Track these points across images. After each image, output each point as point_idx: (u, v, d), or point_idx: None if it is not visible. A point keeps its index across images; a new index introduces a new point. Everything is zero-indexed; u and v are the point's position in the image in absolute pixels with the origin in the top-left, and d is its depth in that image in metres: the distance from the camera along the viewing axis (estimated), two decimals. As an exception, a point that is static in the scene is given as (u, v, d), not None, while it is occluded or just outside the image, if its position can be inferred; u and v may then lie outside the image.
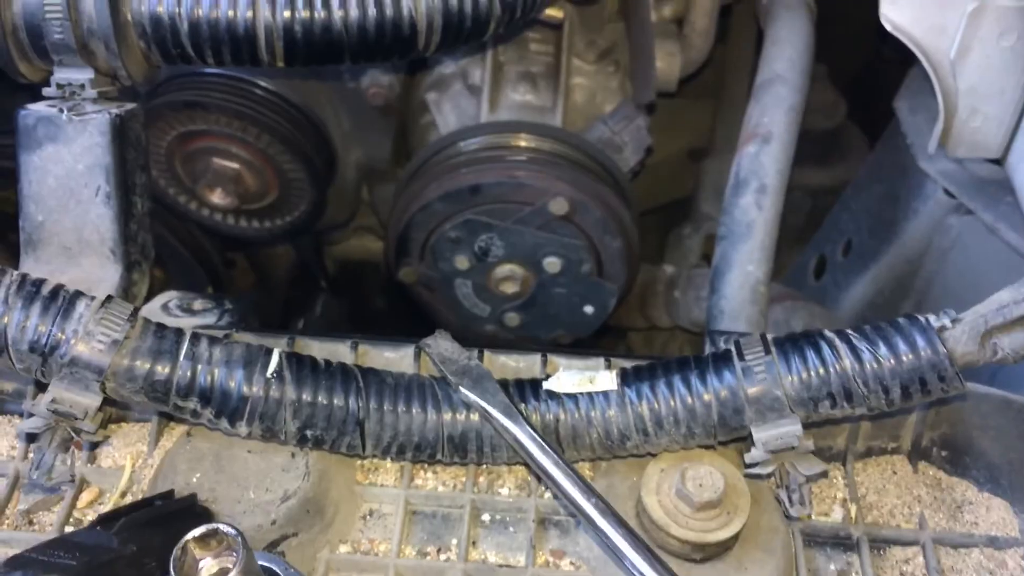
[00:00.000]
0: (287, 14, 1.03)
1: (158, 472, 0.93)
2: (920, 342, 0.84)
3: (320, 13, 1.04)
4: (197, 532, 0.70)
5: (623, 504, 0.90)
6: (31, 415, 0.88)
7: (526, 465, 0.92)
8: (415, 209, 1.48)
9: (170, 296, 1.07)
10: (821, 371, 0.86)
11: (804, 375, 0.86)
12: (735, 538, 0.86)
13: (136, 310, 0.88)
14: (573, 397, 0.91)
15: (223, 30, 1.03)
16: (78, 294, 0.87)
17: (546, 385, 0.92)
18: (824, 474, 0.91)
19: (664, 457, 0.91)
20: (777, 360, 0.87)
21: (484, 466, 0.97)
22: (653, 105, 1.57)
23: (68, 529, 0.91)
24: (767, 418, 0.87)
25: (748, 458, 0.89)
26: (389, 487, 0.96)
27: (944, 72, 1.27)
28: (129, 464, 0.96)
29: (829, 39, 1.65)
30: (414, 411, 0.90)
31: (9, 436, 1.00)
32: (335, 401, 0.89)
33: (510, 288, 1.54)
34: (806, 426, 0.88)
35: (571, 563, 0.90)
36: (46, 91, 1.06)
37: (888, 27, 1.24)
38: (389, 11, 1.05)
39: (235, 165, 1.59)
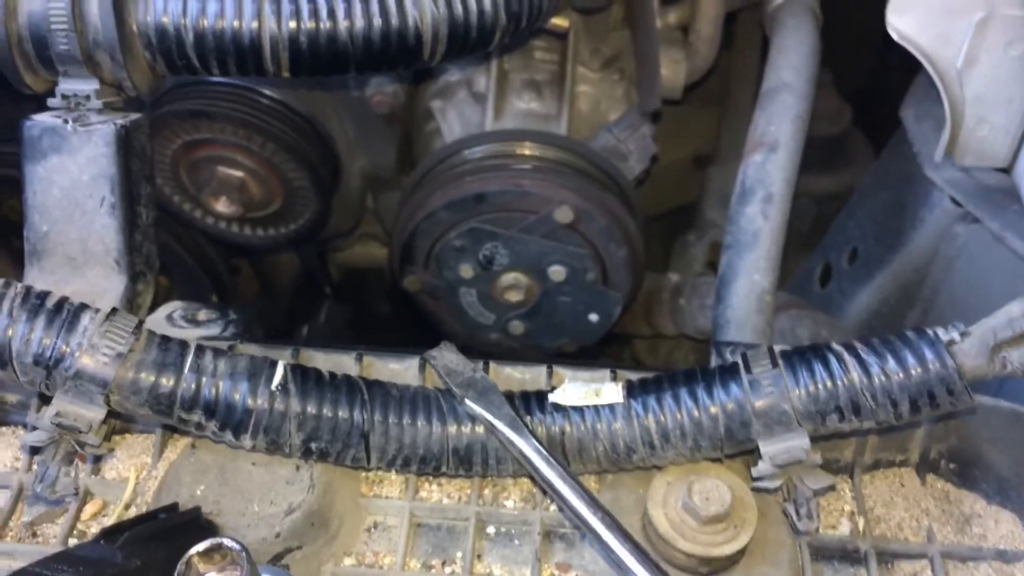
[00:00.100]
0: (292, 25, 1.03)
1: (162, 484, 0.93)
2: (929, 355, 0.83)
3: (325, 24, 1.04)
4: (201, 547, 0.70)
5: (629, 517, 0.89)
6: (35, 428, 0.87)
7: (531, 478, 0.91)
8: (420, 218, 1.48)
9: (174, 307, 1.07)
10: (829, 384, 0.85)
11: (812, 388, 0.85)
12: (742, 552, 0.86)
13: (141, 323, 0.88)
14: (579, 410, 0.90)
15: (228, 41, 1.03)
16: (83, 307, 0.86)
17: (552, 397, 0.92)
18: (832, 488, 0.90)
19: (670, 470, 0.91)
20: (784, 373, 0.86)
21: (489, 478, 0.96)
22: (659, 113, 1.57)
23: (72, 541, 0.91)
24: (774, 432, 0.86)
25: (755, 472, 0.88)
26: (394, 499, 0.95)
27: (951, 81, 1.26)
28: (133, 476, 0.96)
29: (833, 45, 1.64)
30: (419, 423, 0.90)
31: (13, 447, 1.00)
32: (340, 413, 0.88)
33: (515, 296, 1.54)
34: (814, 440, 0.87)
35: (576, 576, 0.90)
36: (51, 102, 1.06)
37: (895, 36, 1.24)
38: (395, 21, 1.05)
39: (240, 173, 1.59)
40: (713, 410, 0.87)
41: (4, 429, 1.03)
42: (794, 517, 0.89)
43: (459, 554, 0.91)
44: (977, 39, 1.22)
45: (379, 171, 1.76)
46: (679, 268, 1.99)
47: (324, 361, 1.00)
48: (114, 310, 0.87)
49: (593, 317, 1.57)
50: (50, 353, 0.83)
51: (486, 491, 0.96)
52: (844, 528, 0.94)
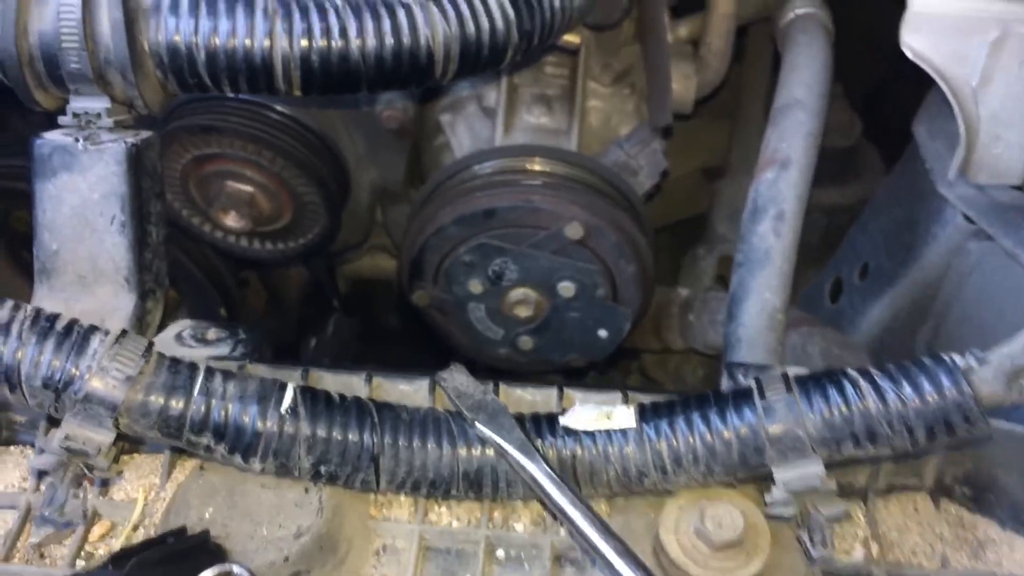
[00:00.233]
0: (304, 43, 1.03)
1: (170, 506, 0.92)
2: (946, 383, 0.83)
3: (337, 42, 1.03)
4: (209, 573, 0.70)
5: (640, 542, 0.88)
6: (43, 451, 0.87)
7: (542, 502, 0.90)
8: (429, 233, 1.47)
9: (184, 325, 1.07)
10: (844, 410, 0.84)
11: (826, 414, 0.84)
12: (755, 579, 0.85)
13: (151, 344, 0.87)
14: (591, 433, 0.89)
15: (240, 59, 1.02)
16: (92, 329, 0.86)
17: (563, 421, 0.91)
18: (846, 515, 0.89)
19: (682, 494, 0.90)
20: (799, 399, 0.86)
21: (499, 501, 0.96)
22: (670, 128, 1.56)
23: (80, 563, 0.90)
24: (788, 458, 0.85)
25: (769, 498, 0.87)
26: (403, 522, 0.95)
27: (966, 99, 1.25)
28: (141, 497, 0.96)
29: (843, 57, 1.64)
30: (429, 447, 0.89)
31: (21, 467, 1.00)
32: (350, 437, 0.88)
33: (524, 312, 1.53)
34: (828, 466, 0.86)
35: (587, 602, 0.89)
36: (62, 120, 1.06)
37: (909, 54, 1.23)
38: (406, 40, 1.05)
39: (249, 188, 1.58)
40: (727, 435, 0.87)
41: (12, 449, 1.03)
42: (808, 544, 0.88)
43: (469, 578, 0.91)
44: (992, 58, 1.21)
45: (389, 185, 1.75)
46: (688, 281, 1.98)
47: (333, 382, 0.99)
48: (124, 332, 0.87)
49: (603, 333, 1.56)
50: (59, 376, 0.83)
51: (496, 514, 0.95)
52: (858, 554, 0.94)
